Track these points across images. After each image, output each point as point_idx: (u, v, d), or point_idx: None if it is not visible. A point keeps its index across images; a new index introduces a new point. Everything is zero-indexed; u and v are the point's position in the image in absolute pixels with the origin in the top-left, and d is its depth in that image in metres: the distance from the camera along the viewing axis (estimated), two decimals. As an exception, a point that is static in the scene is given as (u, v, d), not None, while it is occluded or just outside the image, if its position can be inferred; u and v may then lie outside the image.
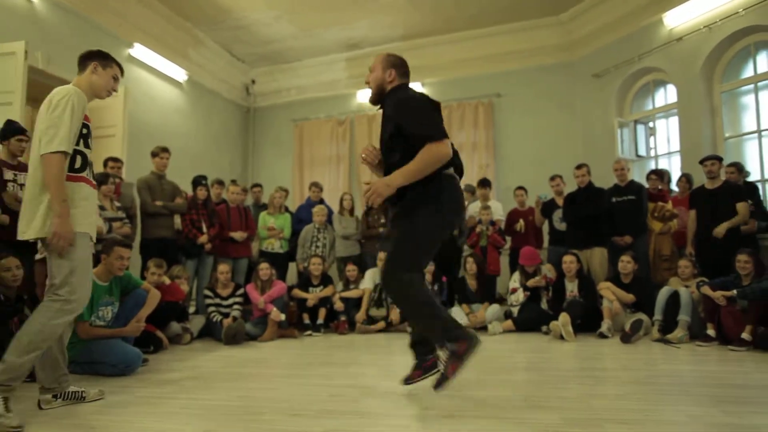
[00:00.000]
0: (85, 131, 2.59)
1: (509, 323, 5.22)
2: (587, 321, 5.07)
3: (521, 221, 6.25)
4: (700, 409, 2.46)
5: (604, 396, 2.74)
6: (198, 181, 5.71)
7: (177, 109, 7.73)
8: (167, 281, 4.75)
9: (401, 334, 5.41)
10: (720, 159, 5.24)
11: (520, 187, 6.48)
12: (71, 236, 2.43)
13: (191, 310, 5.69)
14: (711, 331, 4.44)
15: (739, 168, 5.37)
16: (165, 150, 5.49)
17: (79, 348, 3.45)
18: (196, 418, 2.41)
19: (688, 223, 5.36)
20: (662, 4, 6.44)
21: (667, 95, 6.95)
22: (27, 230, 2.45)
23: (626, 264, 5.14)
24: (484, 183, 6.53)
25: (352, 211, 6.56)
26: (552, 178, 6.14)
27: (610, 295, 5.07)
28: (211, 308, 5.15)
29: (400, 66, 2.80)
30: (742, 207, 4.94)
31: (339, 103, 8.94)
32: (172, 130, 7.46)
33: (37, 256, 3.82)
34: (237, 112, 9.24)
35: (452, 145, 2.53)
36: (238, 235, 5.80)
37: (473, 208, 6.41)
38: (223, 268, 5.29)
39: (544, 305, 5.47)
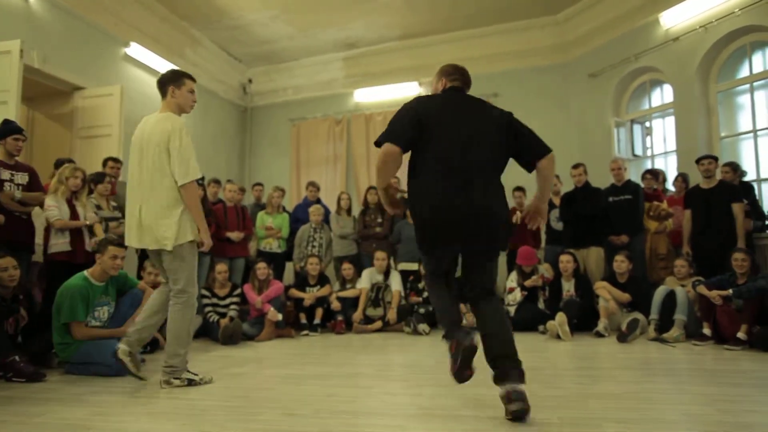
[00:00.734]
0: None
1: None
2: (584, 320, 5.08)
3: (518, 213, 6.27)
4: (697, 408, 2.47)
5: (601, 395, 2.75)
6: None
7: (173, 108, 7.70)
8: (163, 281, 4.74)
9: (398, 333, 5.42)
10: (716, 159, 5.25)
11: (519, 188, 6.47)
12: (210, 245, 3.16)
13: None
14: (707, 330, 4.46)
15: (734, 167, 5.39)
16: (162, 150, 5.47)
17: (74, 348, 3.44)
18: (193, 419, 2.40)
19: (683, 223, 5.37)
20: (658, 4, 6.45)
21: (663, 95, 6.97)
22: (168, 240, 2.97)
23: (620, 263, 5.15)
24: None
25: (349, 211, 6.56)
26: (549, 178, 6.13)
27: (606, 294, 5.08)
28: (208, 308, 5.14)
29: (448, 73, 2.75)
30: (737, 207, 4.95)
31: (336, 103, 8.93)
32: (168, 129, 7.44)
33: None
34: (234, 111, 9.22)
35: (454, 138, 2.41)
36: (235, 235, 5.79)
37: None
38: (221, 267, 5.28)
39: (541, 305, 5.48)
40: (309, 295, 5.61)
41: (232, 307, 5.13)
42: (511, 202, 6.62)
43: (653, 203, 5.69)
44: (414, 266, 6.00)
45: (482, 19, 7.49)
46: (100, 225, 4.56)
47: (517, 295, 5.49)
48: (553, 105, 7.62)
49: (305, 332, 5.40)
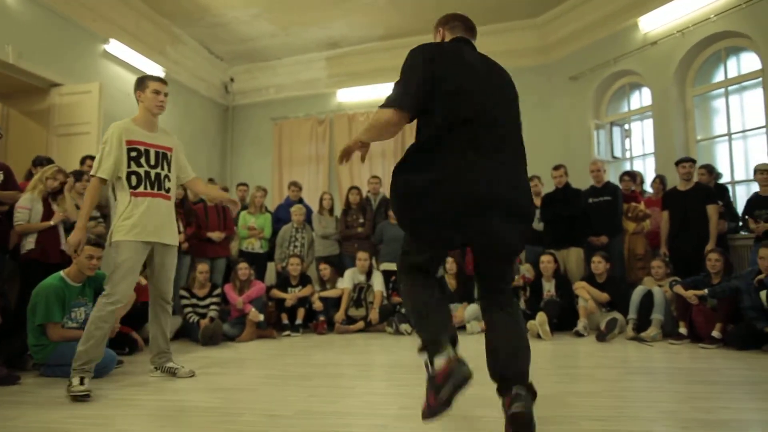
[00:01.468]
0: (134, 154, 3.13)
1: (488, 322, 5.26)
2: (564, 320, 5.14)
3: None
4: (672, 405, 2.52)
5: (580, 393, 2.79)
6: (175, 180, 5.62)
7: (153, 106, 7.60)
8: (143, 281, 4.67)
9: (380, 333, 5.42)
10: (694, 161, 5.36)
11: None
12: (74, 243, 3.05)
13: (168, 310, 5.60)
14: (683, 329, 4.55)
15: (710, 170, 5.50)
16: (141, 148, 5.41)
17: (50, 350, 3.38)
18: (172, 420, 2.38)
19: (661, 224, 5.47)
20: (637, 8, 6.56)
21: (642, 98, 7.09)
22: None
23: (598, 264, 5.23)
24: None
25: (331, 211, 6.54)
26: (530, 179, 6.20)
27: (585, 294, 5.15)
28: (188, 309, 5.09)
29: (445, 22, 2.32)
30: (711, 209, 5.07)
31: (319, 102, 8.90)
32: (148, 127, 7.34)
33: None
34: (215, 110, 9.13)
35: (457, 125, 1.92)
36: (216, 235, 5.74)
37: None
38: (201, 267, 5.23)
39: (521, 305, 5.53)
40: (291, 296, 5.58)
41: (213, 307, 5.08)
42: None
43: (631, 204, 5.79)
44: (396, 266, 6.00)
45: (465, 21, 7.53)
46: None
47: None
48: (534, 107, 7.68)
49: (287, 333, 5.37)
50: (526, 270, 5.68)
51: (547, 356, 4.11)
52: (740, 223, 5.25)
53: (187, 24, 7.56)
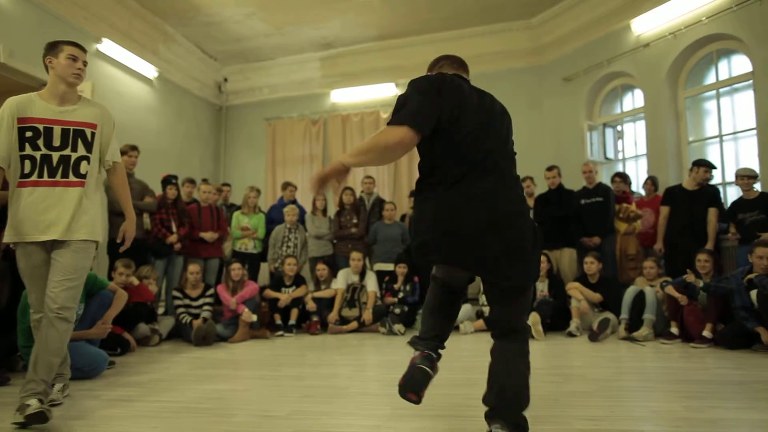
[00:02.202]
0: (29, 134, 2.55)
1: (480, 323, 5.28)
2: (556, 320, 5.16)
3: None
4: (664, 405, 2.54)
5: (572, 393, 2.80)
6: (168, 180, 5.61)
7: (147, 106, 7.57)
8: (135, 282, 4.66)
9: (374, 334, 5.42)
10: (714, 167, 5.36)
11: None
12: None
13: (160, 311, 5.59)
14: (674, 329, 4.59)
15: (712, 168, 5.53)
16: (134, 148, 5.37)
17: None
18: (165, 421, 2.37)
19: (660, 220, 5.48)
20: (630, 10, 6.60)
21: (634, 99, 7.13)
22: None
23: (590, 265, 5.25)
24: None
25: (324, 211, 6.54)
26: (523, 180, 6.23)
27: (578, 294, 5.17)
28: (180, 309, 5.07)
29: (434, 64, 2.38)
30: (712, 212, 5.13)
31: (312, 103, 8.89)
32: (141, 127, 7.31)
33: None
34: (209, 110, 9.11)
35: (479, 137, 1.93)
36: (209, 235, 5.72)
37: None
38: (193, 268, 5.21)
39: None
40: (284, 296, 5.57)
41: (206, 308, 5.06)
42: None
43: (623, 205, 5.82)
44: (390, 267, 6.01)
45: (459, 21, 7.55)
46: None
47: (492, 296, 5.54)
48: (528, 108, 7.72)
49: (280, 333, 5.36)
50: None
51: (540, 356, 4.13)
52: (728, 224, 5.29)
53: (180, 23, 7.53)
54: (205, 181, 6.29)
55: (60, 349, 2.53)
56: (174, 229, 5.48)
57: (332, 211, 6.74)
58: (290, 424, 2.27)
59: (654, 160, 6.43)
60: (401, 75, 8.21)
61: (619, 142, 7.34)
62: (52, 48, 2.69)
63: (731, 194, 5.95)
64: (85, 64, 2.78)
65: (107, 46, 6.70)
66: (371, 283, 5.79)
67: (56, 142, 2.59)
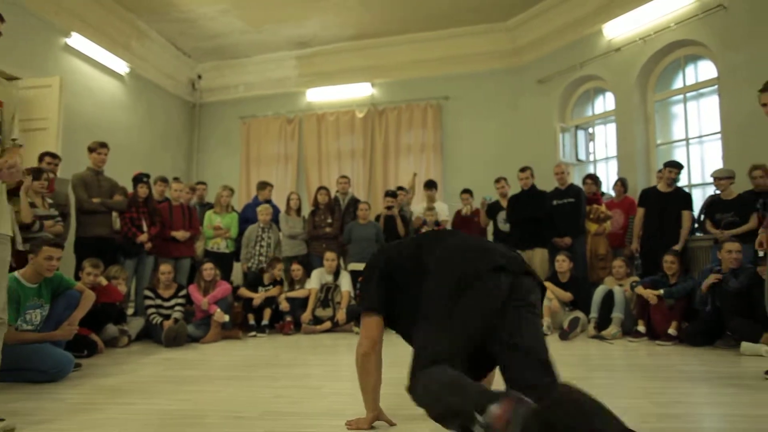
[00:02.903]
0: None
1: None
2: (529, 319, 5.22)
3: (468, 206, 6.49)
4: (632, 401, 2.60)
5: (542, 391, 2.84)
6: (139, 179, 5.50)
7: (118, 102, 7.42)
8: (104, 282, 4.56)
9: (348, 333, 5.42)
10: (681, 167, 5.46)
11: (466, 191, 6.63)
12: None
13: (130, 311, 5.48)
14: (641, 327, 4.70)
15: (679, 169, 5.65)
16: (103, 145, 5.26)
17: (2, 354, 3.25)
18: (134, 424, 2.32)
19: (635, 221, 5.59)
20: (602, 15, 6.73)
21: (605, 102, 7.28)
22: None
23: (562, 263, 5.34)
24: (430, 184, 6.68)
25: (299, 211, 6.50)
26: (497, 181, 6.31)
27: (549, 293, 5.25)
28: (151, 309, 4.97)
29: None
30: (686, 215, 5.26)
31: (288, 101, 8.83)
32: (112, 124, 7.16)
33: None
34: (182, 107, 8.96)
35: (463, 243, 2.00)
36: (180, 234, 5.63)
37: (418, 210, 6.54)
38: (165, 268, 5.12)
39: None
40: (258, 295, 5.52)
41: (177, 308, 4.98)
42: (459, 204, 6.75)
43: (593, 206, 5.94)
44: (364, 267, 6.00)
45: (436, 23, 7.60)
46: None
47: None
48: (502, 110, 7.81)
49: (253, 333, 5.31)
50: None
51: (512, 355, 4.17)
52: (695, 225, 5.43)
53: (154, 19, 7.40)
54: (176, 179, 6.18)
55: None
56: (145, 228, 5.38)
57: (306, 210, 6.70)
58: (262, 425, 2.25)
59: (624, 162, 6.57)
60: (377, 75, 8.23)
61: (591, 144, 7.48)
62: None
63: (696, 196, 6.12)
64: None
65: (77, 41, 6.55)
66: (345, 283, 5.78)
67: None
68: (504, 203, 6.23)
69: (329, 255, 5.82)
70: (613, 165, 7.03)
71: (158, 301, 5.02)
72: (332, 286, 5.76)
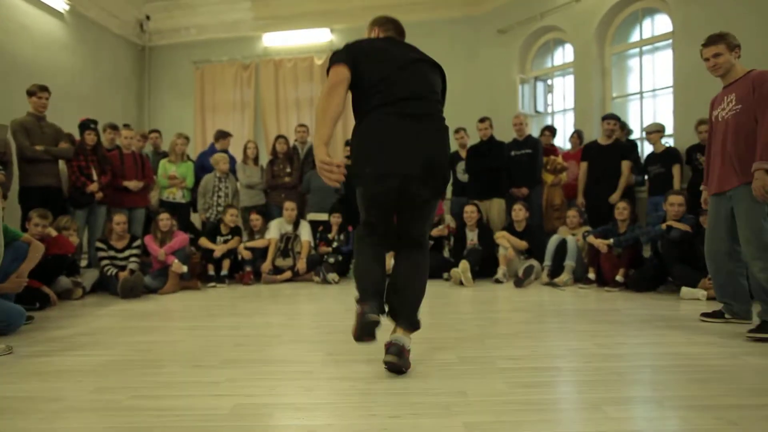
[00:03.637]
0: None
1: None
2: (485, 267, 5.39)
3: None
4: (579, 343, 2.75)
5: (497, 335, 2.97)
6: (86, 125, 5.23)
7: (58, 43, 6.93)
8: (53, 233, 4.39)
9: (308, 283, 5.45)
10: (618, 119, 5.64)
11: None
12: None
13: (83, 263, 5.33)
14: (591, 275, 4.91)
15: (621, 125, 5.82)
16: (44, 89, 4.94)
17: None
18: (89, 375, 2.29)
19: (579, 175, 5.77)
20: (563, -37, 6.65)
21: (564, 54, 7.30)
22: None
23: (518, 212, 5.48)
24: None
25: (256, 160, 6.37)
26: (456, 131, 6.31)
27: (505, 243, 5.40)
28: (105, 261, 4.85)
29: (380, 23, 2.84)
30: (625, 165, 5.44)
31: (244, 46, 8.46)
32: (52, 66, 6.70)
33: None
34: (130, 50, 8.46)
35: (403, 68, 2.41)
36: (133, 184, 5.45)
37: None
38: (119, 218, 4.97)
39: (446, 253, 5.73)
40: (220, 247, 5.45)
41: (132, 259, 4.88)
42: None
43: (550, 157, 6.06)
44: (324, 216, 6.00)
45: (396, -34, 7.33)
46: None
47: (424, 245, 5.68)
48: (462, 59, 7.72)
49: (212, 284, 5.28)
50: (450, 220, 5.85)
51: (469, 302, 4.32)
52: (645, 177, 5.64)
53: (93, -49, 6.84)
54: (127, 126, 5.91)
55: None
56: (95, 177, 5.17)
57: (264, 159, 6.57)
58: (222, 373, 2.27)
59: (580, 115, 6.68)
60: (337, 20, 7.95)
61: (549, 95, 7.55)
62: None
63: (648, 149, 6.31)
64: None
65: (8, -27, 6.01)
66: (305, 233, 5.77)
67: None
68: (463, 154, 6.26)
69: (289, 204, 5.77)
70: (570, 117, 7.14)
71: (111, 253, 4.90)
72: (292, 236, 5.74)
